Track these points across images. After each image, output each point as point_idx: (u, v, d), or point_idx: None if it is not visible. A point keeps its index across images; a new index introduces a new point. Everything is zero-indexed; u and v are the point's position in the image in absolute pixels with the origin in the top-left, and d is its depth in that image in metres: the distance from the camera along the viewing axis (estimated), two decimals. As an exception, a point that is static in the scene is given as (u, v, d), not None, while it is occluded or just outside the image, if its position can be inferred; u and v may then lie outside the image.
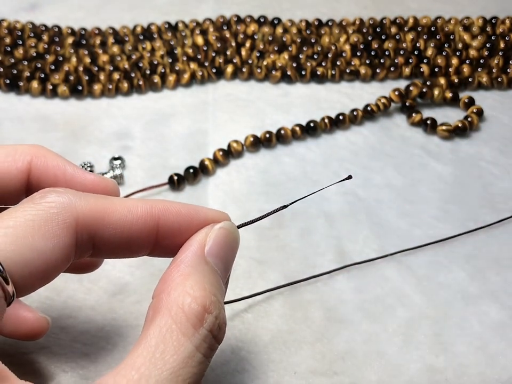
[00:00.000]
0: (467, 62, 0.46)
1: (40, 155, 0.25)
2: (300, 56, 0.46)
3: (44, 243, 0.20)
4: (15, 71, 0.45)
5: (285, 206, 0.28)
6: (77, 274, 0.28)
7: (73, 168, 0.25)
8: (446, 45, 0.47)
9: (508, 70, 0.45)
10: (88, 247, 0.22)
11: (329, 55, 0.46)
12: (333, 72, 0.45)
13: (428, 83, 0.44)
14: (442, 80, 0.44)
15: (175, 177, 0.38)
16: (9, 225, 0.20)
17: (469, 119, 0.42)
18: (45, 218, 0.21)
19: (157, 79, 0.44)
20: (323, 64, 0.46)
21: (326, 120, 0.42)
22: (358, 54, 0.46)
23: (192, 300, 0.21)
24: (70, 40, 0.47)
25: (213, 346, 0.21)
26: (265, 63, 0.46)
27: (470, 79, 0.45)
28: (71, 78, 0.44)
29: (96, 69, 0.45)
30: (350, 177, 0.29)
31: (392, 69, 0.45)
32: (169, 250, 0.24)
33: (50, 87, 0.44)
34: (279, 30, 0.49)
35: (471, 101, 0.43)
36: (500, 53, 0.46)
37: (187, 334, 0.20)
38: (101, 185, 0.25)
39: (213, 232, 0.23)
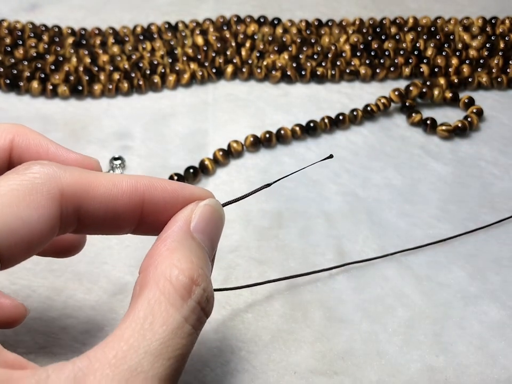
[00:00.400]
0: (467, 62, 0.46)
1: (22, 133, 0.25)
2: (300, 56, 0.46)
3: (29, 212, 0.20)
4: (15, 71, 0.45)
5: (269, 185, 0.27)
6: (57, 258, 0.28)
7: (56, 147, 0.25)
8: (445, 45, 0.47)
9: (508, 70, 0.45)
10: (72, 221, 0.22)
11: (329, 55, 0.46)
12: (333, 72, 0.45)
13: (428, 83, 0.44)
14: (442, 80, 0.44)
15: (175, 177, 0.38)
16: None
17: (469, 119, 0.42)
18: (29, 188, 0.20)
19: (157, 79, 0.44)
20: (323, 64, 0.46)
21: (326, 120, 0.42)
22: (358, 54, 0.46)
23: (180, 272, 0.20)
24: (70, 40, 0.47)
25: (201, 319, 0.21)
26: (265, 63, 0.46)
27: (469, 79, 0.45)
28: (71, 78, 0.44)
29: (96, 69, 0.45)
30: (331, 156, 0.28)
31: (392, 69, 0.46)
32: (154, 228, 0.24)
33: (50, 87, 0.44)
34: (279, 30, 0.49)
35: (471, 101, 0.43)
36: (500, 53, 0.46)
37: (175, 305, 0.20)
38: (84, 163, 0.25)
39: (198, 208, 0.23)
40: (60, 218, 0.21)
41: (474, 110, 0.42)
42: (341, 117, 0.42)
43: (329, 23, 0.49)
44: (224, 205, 0.26)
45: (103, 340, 0.19)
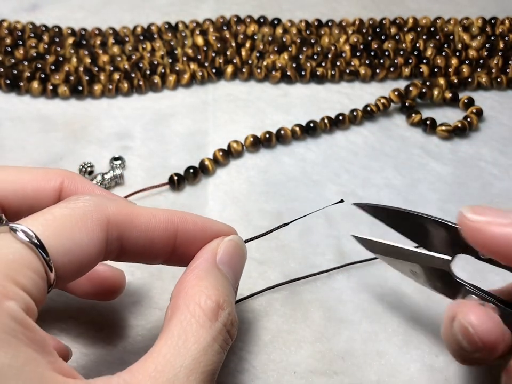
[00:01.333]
0: (466, 62, 0.46)
1: (71, 177, 0.28)
2: (300, 56, 0.46)
3: (81, 236, 0.22)
4: (15, 72, 0.45)
5: (286, 224, 0.30)
6: (99, 300, 0.30)
7: (100, 190, 0.28)
8: (445, 45, 0.47)
9: (507, 70, 0.45)
10: (116, 247, 0.24)
11: (329, 56, 0.46)
12: (333, 73, 0.45)
13: (428, 83, 0.44)
14: (441, 81, 0.44)
15: (175, 177, 0.38)
16: (49, 218, 0.22)
17: (469, 119, 0.42)
18: (81, 215, 0.23)
19: (157, 79, 0.45)
20: (323, 64, 0.46)
21: (326, 120, 0.42)
22: (358, 54, 0.46)
23: (207, 297, 0.23)
24: (70, 40, 0.47)
25: (227, 340, 0.23)
26: (265, 63, 0.46)
27: (469, 80, 0.45)
28: (72, 78, 0.44)
29: (96, 69, 0.45)
30: (342, 201, 0.31)
31: (391, 69, 0.46)
32: (183, 259, 0.26)
33: (50, 87, 0.44)
34: (279, 30, 0.49)
35: (471, 101, 0.43)
36: (499, 53, 0.46)
37: (205, 326, 0.22)
38: None
39: (223, 243, 0.26)
40: (106, 243, 0.23)
41: (474, 110, 0.42)
42: (340, 117, 0.42)
43: (329, 24, 0.49)
44: (246, 241, 0.29)
45: (142, 356, 0.21)
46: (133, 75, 0.45)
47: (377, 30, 0.49)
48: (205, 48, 0.47)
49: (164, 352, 0.21)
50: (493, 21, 0.49)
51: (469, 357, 0.24)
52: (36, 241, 0.21)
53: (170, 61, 0.46)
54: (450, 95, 0.43)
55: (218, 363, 0.22)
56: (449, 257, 0.26)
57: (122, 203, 0.25)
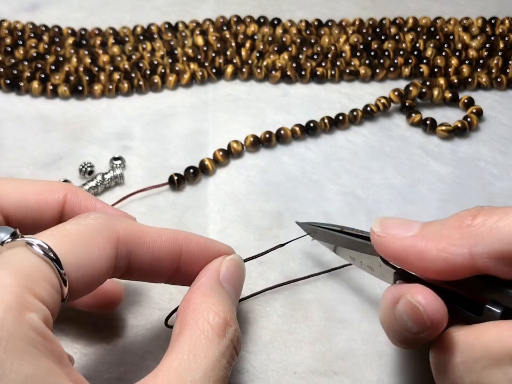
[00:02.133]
0: (466, 62, 0.46)
1: (74, 191, 0.28)
2: (300, 56, 0.46)
3: (93, 252, 0.23)
4: (15, 71, 0.45)
5: (282, 245, 0.33)
6: (100, 311, 0.31)
7: (102, 204, 0.29)
8: (445, 45, 0.47)
9: (507, 70, 0.45)
10: (124, 264, 0.25)
11: (329, 56, 0.46)
12: (333, 73, 0.45)
13: (428, 83, 0.44)
14: (441, 81, 0.44)
15: (175, 177, 0.38)
16: (63, 234, 0.23)
17: (468, 119, 0.42)
18: (93, 231, 0.23)
19: (157, 79, 0.45)
20: (323, 64, 0.46)
21: (326, 120, 0.42)
22: (358, 54, 0.46)
23: (215, 314, 0.24)
24: (70, 40, 0.47)
25: (233, 356, 0.24)
26: (265, 63, 0.46)
27: (469, 79, 0.45)
28: (72, 78, 0.44)
29: (96, 69, 0.45)
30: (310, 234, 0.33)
31: (391, 69, 0.46)
32: (186, 278, 0.27)
33: (50, 87, 0.44)
34: (279, 30, 0.49)
35: (471, 101, 0.43)
36: (499, 53, 0.46)
37: (214, 341, 0.23)
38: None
39: (225, 262, 0.27)
40: (115, 260, 0.24)
41: (474, 110, 0.42)
42: (340, 117, 0.42)
43: (329, 24, 0.49)
44: (246, 260, 0.30)
45: (151, 372, 0.22)
46: (133, 75, 0.45)
47: (377, 30, 0.49)
48: (205, 48, 0.47)
49: (175, 366, 0.22)
50: (493, 21, 0.49)
51: (411, 338, 0.24)
52: (51, 255, 0.21)
53: (170, 61, 0.46)
54: (450, 95, 0.43)
55: (225, 378, 0.23)
56: None
57: (129, 222, 0.26)
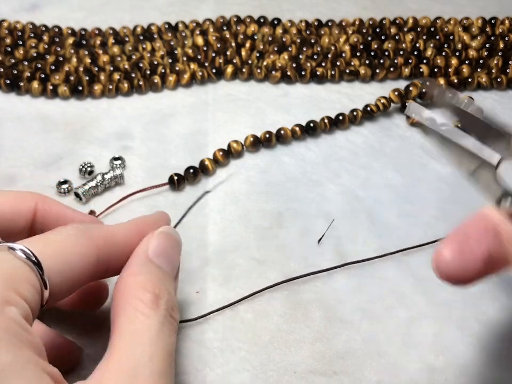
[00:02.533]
0: (466, 62, 0.46)
1: (44, 200, 0.29)
2: (300, 56, 0.46)
3: (74, 259, 0.24)
4: (15, 71, 0.45)
5: (208, 192, 0.35)
6: (86, 309, 0.31)
7: (72, 211, 0.30)
8: (445, 45, 0.47)
9: (507, 70, 0.45)
10: (104, 267, 0.26)
11: (329, 56, 0.46)
12: (333, 73, 0.45)
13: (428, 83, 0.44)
14: (441, 81, 0.44)
15: (175, 177, 0.38)
16: (46, 241, 0.24)
17: (469, 119, 0.42)
18: (73, 241, 0.24)
19: (157, 79, 0.45)
20: (323, 64, 0.46)
21: (326, 121, 0.42)
22: (358, 54, 0.46)
23: (145, 290, 0.24)
24: (70, 40, 0.47)
25: (173, 323, 0.25)
26: (265, 63, 0.46)
27: (469, 80, 0.45)
28: (72, 78, 0.44)
29: (96, 69, 0.45)
30: (207, 192, 0.35)
31: (391, 69, 0.46)
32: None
33: (50, 87, 0.44)
34: (279, 30, 0.49)
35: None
36: (499, 53, 0.46)
37: (150, 315, 0.24)
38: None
39: (153, 237, 0.27)
40: (96, 265, 0.25)
41: (474, 110, 0.42)
42: (340, 117, 0.42)
43: (329, 24, 0.49)
44: (176, 225, 0.31)
45: (100, 363, 0.23)
46: (133, 75, 0.45)
47: (377, 30, 0.49)
48: (205, 48, 0.47)
49: (122, 347, 0.23)
50: (493, 21, 0.49)
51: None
52: (33, 259, 0.22)
53: (170, 61, 0.46)
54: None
55: (172, 344, 0.24)
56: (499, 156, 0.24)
57: (102, 227, 0.27)
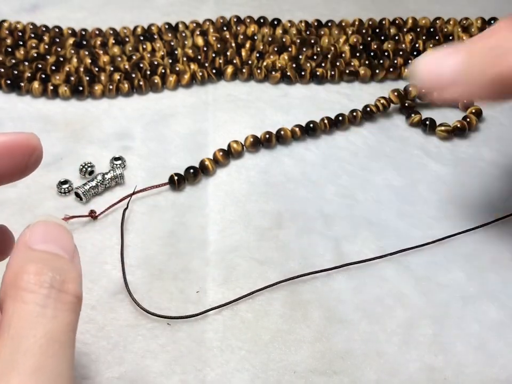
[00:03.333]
0: (466, 62, 0.46)
1: None
2: (300, 57, 0.47)
3: None
4: (16, 72, 0.45)
5: (134, 193, 0.36)
6: (19, 179, 0.28)
7: None
8: (445, 46, 0.47)
9: (507, 71, 0.45)
10: None
11: (329, 56, 0.46)
12: (332, 73, 0.45)
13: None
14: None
15: (176, 177, 0.38)
16: None
17: (468, 119, 0.42)
18: None
19: (157, 79, 0.45)
20: (322, 64, 0.46)
21: (326, 121, 0.42)
22: (357, 54, 0.47)
23: (25, 274, 0.21)
24: (70, 41, 0.47)
25: (63, 301, 0.21)
26: (265, 63, 0.46)
27: (469, 80, 0.45)
28: (72, 78, 0.44)
29: (96, 69, 0.45)
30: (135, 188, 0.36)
31: (391, 69, 0.46)
32: None
33: (51, 87, 0.44)
34: (279, 31, 0.49)
35: (470, 102, 0.43)
36: (499, 54, 0.46)
37: (27, 300, 0.20)
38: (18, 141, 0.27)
39: (28, 229, 0.24)
40: None
41: (473, 111, 0.43)
42: (340, 118, 0.42)
43: (329, 24, 0.49)
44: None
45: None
46: (133, 75, 0.45)
47: (377, 30, 0.49)
48: (205, 49, 0.47)
49: (5, 340, 0.20)
50: (492, 22, 0.49)
51: None
52: None
53: (170, 61, 0.46)
54: (449, 95, 0.43)
55: (60, 326, 0.21)
56: None
57: None
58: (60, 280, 0.22)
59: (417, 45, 0.47)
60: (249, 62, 0.46)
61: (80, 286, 0.22)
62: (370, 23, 0.50)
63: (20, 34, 0.48)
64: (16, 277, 0.21)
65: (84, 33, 0.49)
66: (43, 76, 0.44)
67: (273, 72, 0.45)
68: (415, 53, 0.47)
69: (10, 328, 0.20)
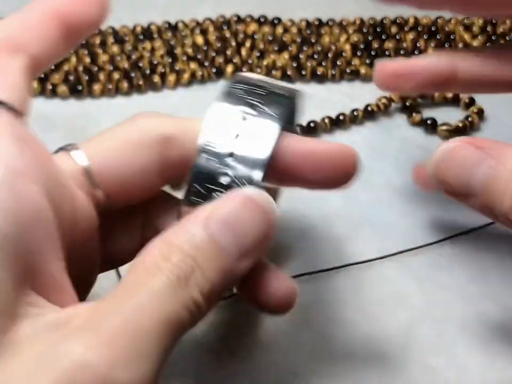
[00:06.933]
0: (468, 61, 0.46)
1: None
2: (300, 56, 0.46)
3: (132, 158, 0.23)
4: (14, 71, 0.44)
5: None
6: None
7: None
8: (446, 45, 0.47)
9: (509, 70, 0.45)
10: (175, 169, 0.24)
11: (330, 55, 0.46)
12: (333, 72, 0.45)
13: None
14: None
15: (175, 177, 0.38)
16: (101, 139, 0.23)
17: (470, 119, 0.42)
18: (134, 139, 0.23)
19: (157, 78, 0.44)
20: (323, 64, 0.46)
21: (326, 120, 0.42)
22: (359, 53, 0.46)
23: (162, 244, 0.20)
24: (70, 39, 0.47)
25: (191, 299, 0.19)
26: (265, 62, 0.46)
27: (470, 79, 0.44)
28: (71, 77, 0.44)
29: (96, 68, 0.45)
30: None
31: (392, 68, 0.45)
32: None
33: (50, 87, 0.44)
34: (279, 29, 0.48)
35: (472, 101, 0.43)
36: (501, 53, 0.46)
37: (154, 272, 0.19)
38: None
39: (225, 200, 0.21)
40: (161, 165, 0.23)
41: (475, 110, 0.42)
42: (341, 117, 0.42)
43: (330, 23, 0.49)
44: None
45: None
46: (133, 74, 0.45)
47: (378, 29, 0.48)
48: (205, 48, 0.46)
49: (102, 303, 0.19)
50: (494, 21, 0.49)
51: None
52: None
53: (170, 60, 0.46)
54: (451, 94, 0.43)
55: (175, 317, 0.18)
56: None
57: (178, 120, 0.25)
58: (200, 283, 0.20)
59: (418, 44, 0.47)
60: (250, 61, 0.46)
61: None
62: (371, 22, 0.49)
63: (19, 33, 0.48)
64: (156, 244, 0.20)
65: (83, 32, 0.48)
66: (42, 75, 0.44)
67: (274, 71, 0.45)
68: (416, 52, 0.46)
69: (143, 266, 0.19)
